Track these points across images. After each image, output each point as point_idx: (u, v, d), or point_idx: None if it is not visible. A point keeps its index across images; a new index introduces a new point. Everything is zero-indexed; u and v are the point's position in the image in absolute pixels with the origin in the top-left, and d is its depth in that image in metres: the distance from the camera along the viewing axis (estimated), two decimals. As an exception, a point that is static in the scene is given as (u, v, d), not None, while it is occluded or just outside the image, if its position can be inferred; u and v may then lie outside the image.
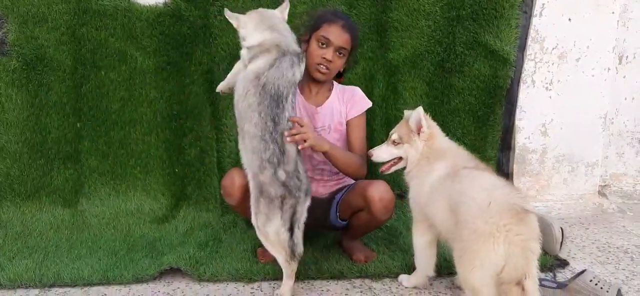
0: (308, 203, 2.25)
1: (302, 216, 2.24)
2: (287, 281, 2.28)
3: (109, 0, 3.05)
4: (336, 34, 2.47)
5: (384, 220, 2.46)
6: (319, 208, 2.60)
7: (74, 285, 2.41)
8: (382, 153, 2.37)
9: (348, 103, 2.64)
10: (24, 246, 2.74)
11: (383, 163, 2.38)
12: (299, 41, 2.41)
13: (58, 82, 3.06)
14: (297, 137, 2.20)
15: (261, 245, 2.71)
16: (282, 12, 2.39)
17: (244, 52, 2.30)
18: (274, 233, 2.22)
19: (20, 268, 2.47)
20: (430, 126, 2.28)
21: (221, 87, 2.45)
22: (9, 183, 3.08)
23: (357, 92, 2.69)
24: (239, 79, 2.27)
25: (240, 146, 2.28)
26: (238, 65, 2.36)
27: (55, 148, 3.11)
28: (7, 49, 3.00)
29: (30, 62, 3.02)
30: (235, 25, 2.34)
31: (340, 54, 2.51)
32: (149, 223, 3.04)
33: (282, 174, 2.17)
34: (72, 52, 3.06)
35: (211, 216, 3.12)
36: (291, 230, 2.22)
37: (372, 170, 3.17)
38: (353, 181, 2.64)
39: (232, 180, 2.41)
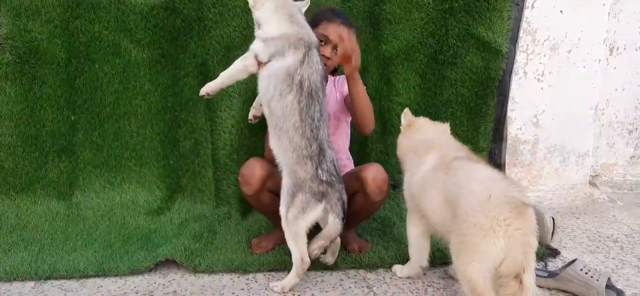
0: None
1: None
2: (294, 278, 2.29)
3: (103, -8, 3.05)
4: (335, 31, 2.51)
5: (378, 201, 2.48)
6: None
7: (70, 277, 2.42)
8: None
9: (342, 83, 2.67)
10: (19, 239, 2.75)
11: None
12: None
13: (52, 75, 3.05)
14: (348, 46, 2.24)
15: (256, 236, 2.76)
16: (300, 10, 2.36)
17: (258, 45, 2.25)
18: (304, 228, 2.24)
19: (16, 261, 2.48)
20: (410, 121, 2.42)
21: (210, 88, 2.31)
22: (3, 176, 3.08)
23: None
24: (263, 78, 2.24)
25: (275, 144, 2.26)
26: (242, 63, 2.28)
27: (50, 141, 3.10)
28: (0, 42, 2.99)
29: (24, 55, 3.00)
30: (250, 4, 2.30)
31: (338, 51, 2.54)
32: (144, 215, 3.05)
33: (322, 171, 2.20)
34: (66, 45, 3.05)
35: (206, 208, 3.13)
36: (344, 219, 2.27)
37: (366, 155, 3.24)
38: (347, 169, 2.67)
39: (253, 170, 2.43)
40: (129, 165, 3.19)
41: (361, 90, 2.41)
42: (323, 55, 2.48)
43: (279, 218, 2.28)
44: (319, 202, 2.21)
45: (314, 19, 2.53)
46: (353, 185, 2.48)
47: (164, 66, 3.15)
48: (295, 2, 2.36)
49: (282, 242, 2.58)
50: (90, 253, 2.59)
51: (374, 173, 2.41)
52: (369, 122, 2.51)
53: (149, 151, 3.20)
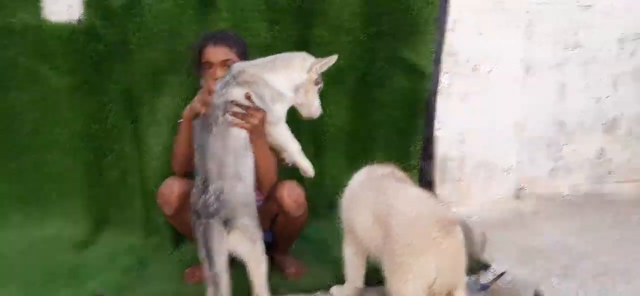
0: (223, 234, 2.09)
1: (219, 249, 2.08)
2: None
3: (18, 17, 2.93)
4: (211, 53, 2.45)
5: (298, 216, 2.45)
6: None
7: (-14, 321, 2.27)
8: None
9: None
10: None
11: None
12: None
13: (-37, 104, 2.90)
14: (239, 122, 2.15)
15: (189, 266, 2.68)
16: (303, 62, 2.33)
17: None
18: (202, 255, 2.14)
19: None
20: None
21: None
22: None
23: None
24: None
25: None
26: None
27: (-38, 174, 2.93)
28: None
29: None
30: None
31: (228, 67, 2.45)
32: (69, 250, 2.92)
33: (200, 202, 2.10)
34: (-22, 72, 2.90)
35: (135, 239, 3.03)
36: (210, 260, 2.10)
37: (301, 177, 3.20)
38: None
39: (171, 188, 2.38)
40: (51, 197, 3.08)
41: (261, 154, 2.29)
42: (216, 79, 2.34)
43: None
44: (196, 232, 2.15)
45: (194, 55, 2.51)
46: (272, 207, 2.47)
47: (87, 93, 3.06)
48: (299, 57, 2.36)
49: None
50: (8, 294, 2.46)
51: (288, 190, 2.40)
52: (269, 175, 2.40)
53: (72, 182, 3.09)
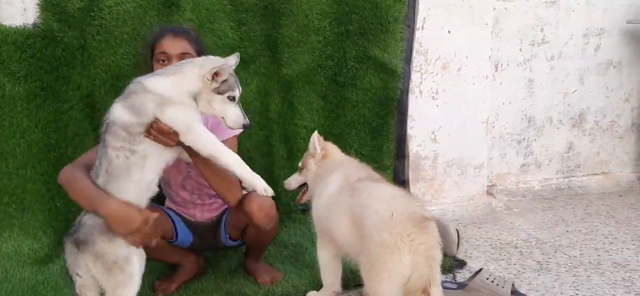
0: (76, 254, 1.94)
1: (74, 269, 1.94)
2: None
3: (-32, 22, 2.78)
4: (170, 44, 2.30)
5: (269, 229, 2.37)
6: (209, 232, 2.54)
7: (-61, 345, 2.12)
8: (291, 181, 2.44)
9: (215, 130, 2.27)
10: None
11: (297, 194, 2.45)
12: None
13: None
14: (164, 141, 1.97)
15: (159, 278, 2.58)
16: (198, 68, 2.00)
17: None
18: None
19: None
20: (323, 147, 2.34)
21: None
22: None
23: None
24: None
25: None
26: None
27: None
28: None
29: None
30: None
31: None
32: (30, 266, 2.76)
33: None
34: None
35: (101, 251, 2.89)
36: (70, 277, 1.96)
37: (274, 181, 3.13)
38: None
39: None
40: (9, 211, 2.92)
41: (205, 169, 2.11)
42: None
43: (175, 255, 2.14)
44: None
45: (148, 44, 2.36)
46: (241, 219, 2.37)
47: (44, 100, 2.93)
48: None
49: (188, 280, 2.52)
50: (-36, 315, 2.30)
51: (258, 202, 2.26)
52: (226, 192, 2.22)
53: (31, 194, 2.94)
